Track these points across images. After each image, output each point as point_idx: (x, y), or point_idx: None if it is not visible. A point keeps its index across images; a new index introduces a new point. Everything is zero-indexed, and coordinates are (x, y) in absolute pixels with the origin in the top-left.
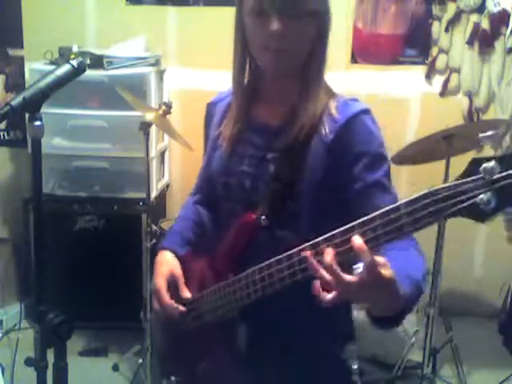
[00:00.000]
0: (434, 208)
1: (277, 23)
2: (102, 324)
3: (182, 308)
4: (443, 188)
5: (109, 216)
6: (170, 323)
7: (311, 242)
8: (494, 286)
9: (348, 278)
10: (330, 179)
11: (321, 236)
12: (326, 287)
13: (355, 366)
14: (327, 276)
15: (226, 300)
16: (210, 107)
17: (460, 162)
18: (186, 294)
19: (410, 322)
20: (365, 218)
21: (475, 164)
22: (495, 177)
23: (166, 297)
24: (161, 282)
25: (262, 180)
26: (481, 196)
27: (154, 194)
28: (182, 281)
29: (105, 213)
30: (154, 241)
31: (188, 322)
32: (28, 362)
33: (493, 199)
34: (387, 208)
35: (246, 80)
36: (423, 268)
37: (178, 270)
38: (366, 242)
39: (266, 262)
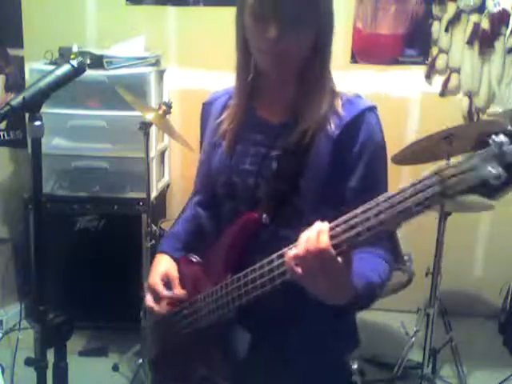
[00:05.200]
0: (440, 187)
1: (275, 29)
2: (102, 324)
3: (178, 295)
4: (450, 166)
5: (109, 216)
6: (166, 325)
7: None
8: (494, 286)
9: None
10: (334, 176)
11: None
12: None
13: (355, 366)
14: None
15: (223, 301)
16: (206, 107)
17: None
18: (180, 291)
19: (410, 322)
20: (370, 202)
21: (483, 138)
22: (505, 149)
23: (162, 289)
24: (155, 279)
25: (266, 178)
26: (489, 169)
27: (154, 194)
28: (176, 280)
29: (105, 213)
30: (153, 241)
31: (185, 326)
32: (28, 361)
33: (503, 174)
34: (394, 193)
35: (247, 78)
36: (383, 274)
37: (173, 271)
38: (370, 227)
39: (258, 264)
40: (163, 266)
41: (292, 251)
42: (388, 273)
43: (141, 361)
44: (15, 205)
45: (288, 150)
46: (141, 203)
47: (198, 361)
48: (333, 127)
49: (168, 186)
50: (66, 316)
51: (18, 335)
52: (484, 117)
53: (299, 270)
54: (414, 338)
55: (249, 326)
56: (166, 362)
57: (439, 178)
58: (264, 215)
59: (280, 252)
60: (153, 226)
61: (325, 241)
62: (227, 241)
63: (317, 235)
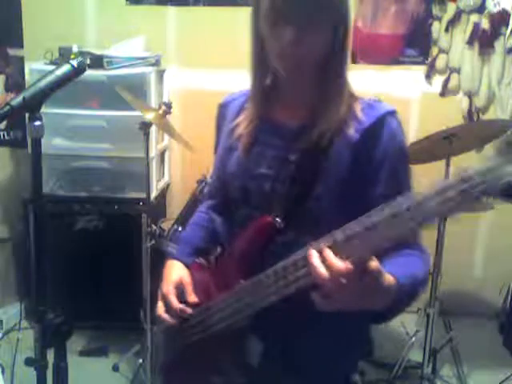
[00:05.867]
0: (467, 194)
1: (291, 32)
2: (102, 324)
3: (189, 311)
4: (477, 172)
5: (109, 216)
6: (177, 334)
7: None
8: (494, 286)
9: (339, 264)
10: (353, 181)
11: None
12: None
13: None
14: (321, 269)
15: (235, 307)
16: (222, 108)
17: (460, 162)
18: (193, 298)
19: (410, 322)
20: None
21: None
22: None
23: (174, 300)
24: (168, 288)
25: (282, 182)
26: None
27: (154, 194)
28: (189, 287)
29: (105, 213)
30: (153, 241)
31: (199, 332)
32: (28, 361)
33: None
34: (419, 196)
35: (263, 81)
36: (423, 269)
37: (186, 277)
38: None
39: (279, 265)
40: (176, 273)
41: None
42: (426, 264)
43: (141, 361)
44: (15, 205)
45: (306, 153)
46: (141, 203)
47: (209, 368)
48: (352, 132)
49: (168, 186)
50: (66, 316)
51: (17, 335)
52: (484, 117)
53: (329, 302)
54: (413, 338)
55: (261, 333)
56: (177, 370)
57: (466, 185)
58: (278, 219)
59: (294, 258)
60: (153, 225)
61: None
62: (240, 246)
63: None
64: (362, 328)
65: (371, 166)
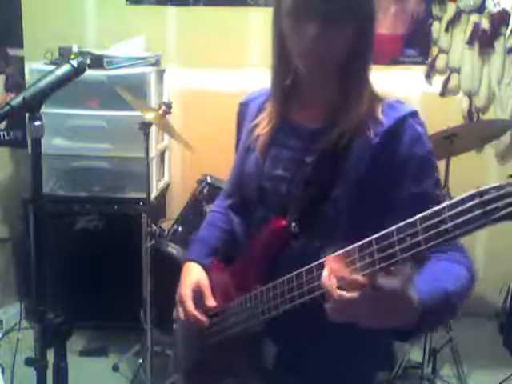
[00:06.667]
0: (482, 210)
1: (315, 28)
2: (102, 324)
3: (205, 319)
4: (493, 188)
5: (109, 216)
6: (195, 334)
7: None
8: (494, 286)
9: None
10: (372, 185)
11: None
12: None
13: None
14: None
15: (251, 312)
16: (243, 107)
17: (460, 162)
18: (211, 302)
19: None
20: (404, 223)
21: None
22: None
23: (191, 306)
24: (186, 292)
25: (298, 184)
26: None
27: (154, 194)
28: (208, 290)
29: (105, 213)
30: (153, 241)
31: (214, 334)
32: (28, 361)
33: None
34: (427, 212)
35: (284, 81)
36: (462, 276)
37: (204, 280)
38: (405, 248)
39: (294, 273)
40: (194, 275)
41: (327, 305)
42: (467, 273)
43: (141, 361)
44: (15, 205)
45: (324, 155)
46: (141, 203)
47: (223, 370)
48: (372, 134)
49: (168, 186)
50: (66, 316)
51: (17, 335)
52: (484, 117)
53: (340, 315)
54: None
55: (274, 336)
56: (194, 371)
57: (481, 200)
58: (293, 224)
59: (309, 266)
60: (153, 225)
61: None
62: (255, 249)
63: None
64: (380, 341)
65: (391, 169)
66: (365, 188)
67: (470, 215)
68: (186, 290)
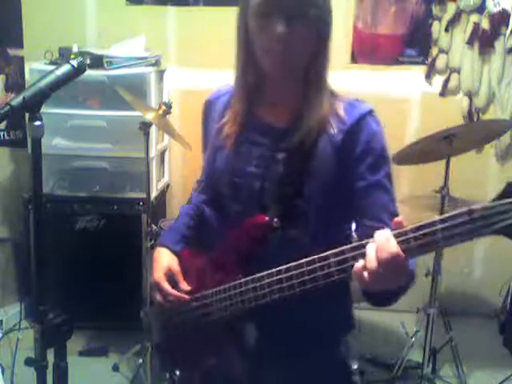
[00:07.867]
0: (471, 226)
1: (282, 26)
2: (102, 324)
3: (185, 296)
4: (483, 208)
5: (109, 216)
6: (173, 315)
7: (336, 250)
8: (494, 286)
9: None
10: (338, 179)
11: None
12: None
13: (355, 366)
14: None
15: (236, 300)
16: (208, 105)
17: (460, 162)
18: (185, 286)
19: (410, 322)
20: (399, 230)
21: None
22: None
23: (168, 287)
24: (159, 275)
25: (272, 181)
26: None
27: (154, 194)
28: (180, 275)
29: (105, 213)
30: (153, 241)
31: (194, 317)
32: (28, 361)
33: None
34: (422, 222)
35: (249, 80)
36: None
37: (175, 265)
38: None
39: (285, 266)
40: (165, 260)
41: (360, 263)
42: None
43: (141, 361)
44: (15, 205)
45: (293, 152)
46: (141, 203)
47: (205, 350)
48: (335, 131)
49: (168, 186)
50: (66, 316)
51: (18, 335)
52: (484, 117)
53: (370, 278)
54: (413, 338)
55: (251, 318)
56: (173, 349)
57: (469, 217)
58: (275, 219)
59: (298, 262)
60: (153, 225)
61: (395, 246)
62: (237, 242)
63: (385, 242)
64: (344, 305)
65: (352, 162)
66: (332, 181)
67: (459, 229)
68: (159, 273)
